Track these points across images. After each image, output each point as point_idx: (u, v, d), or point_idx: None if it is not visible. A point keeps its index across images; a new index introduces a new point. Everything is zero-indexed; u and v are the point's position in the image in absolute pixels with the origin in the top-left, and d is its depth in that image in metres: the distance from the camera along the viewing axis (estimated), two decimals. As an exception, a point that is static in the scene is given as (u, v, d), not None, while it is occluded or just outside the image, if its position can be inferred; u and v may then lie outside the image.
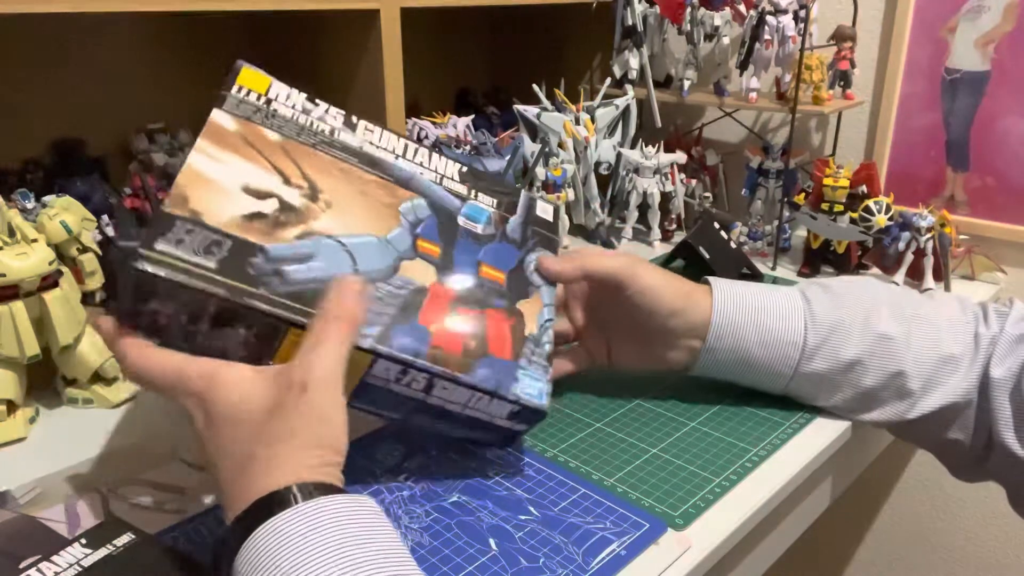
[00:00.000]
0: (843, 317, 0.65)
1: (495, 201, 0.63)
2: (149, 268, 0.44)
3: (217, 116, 0.52)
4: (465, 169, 0.63)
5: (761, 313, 0.65)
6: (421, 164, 0.60)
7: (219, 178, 0.50)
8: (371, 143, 0.58)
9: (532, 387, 0.55)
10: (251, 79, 0.55)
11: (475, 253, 0.59)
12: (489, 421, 0.56)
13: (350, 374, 0.49)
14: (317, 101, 0.58)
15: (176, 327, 0.47)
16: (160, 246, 0.45)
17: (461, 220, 0.60)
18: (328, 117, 0.58)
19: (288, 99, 0.56)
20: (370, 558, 0.39)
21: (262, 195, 0.51)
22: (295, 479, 0.41)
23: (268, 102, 0.55)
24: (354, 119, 0.59)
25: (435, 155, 0.62)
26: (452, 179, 0.62)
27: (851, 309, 0.65)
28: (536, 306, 0.60)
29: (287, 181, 0.53)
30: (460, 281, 0.57)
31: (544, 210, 0.67)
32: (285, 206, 0.51)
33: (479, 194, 0.63)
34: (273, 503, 0.40)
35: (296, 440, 0.43)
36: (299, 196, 0.52)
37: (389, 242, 0.55)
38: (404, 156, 0.60)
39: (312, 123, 0.56)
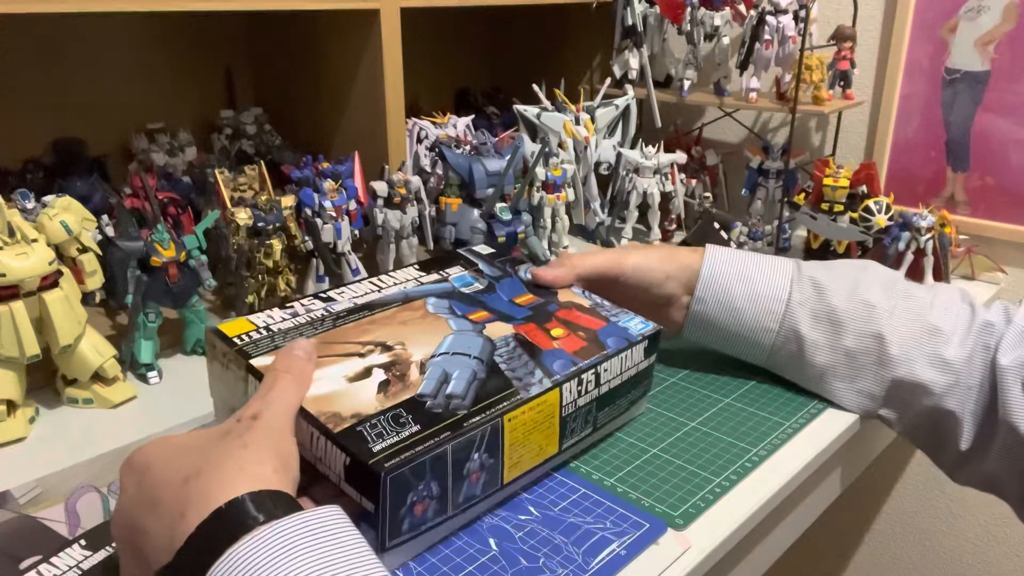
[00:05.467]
0: (830, 281, 0.68)
1: (458, 267, 0.69)
2: (390, 462, 0.45)
3: (260, 363, 0.52)
4: (416, 265, 0.69)
5: (750, 268, 0.70)
6: (395, 284, 0.65)
7: (327, 390, 0.50)
8: (355, 298, 0.62)
9: (638, 323, 0.64)
10: (236, 327, 0.56)
11: (500, 298, 0.65)
12: (638, 371, 0.63)
13: (549, 427, 0.55)
14: (286, 305, 0.59)
15: (435, 500, 0.49)
16: (376, 447, 0.46)
17: (464, 290, 0.65)
18: (310, 306, 0.60)
19: (272, 319, 0.57)
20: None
21: (364, 374, 0.52)
22: (248, 487, 0.39)
23: (267, 328, 0.56)
24: (322, 295, 0.62)
25: (391, 274, 0.66)
26: (421, 276, 0.67)
27: (841, 278, 0.68)
28: (566, 292, 0.68)
29: (361, 355, 0.54)
30: (521, 315, 0.62)
31: (482, 248, 0.74)
32: (386, 367, 0.53)
33: (444, 270, 0.68)
34: (228, 519, 0.38)
35: (248, 451, 0.41)
36: (381, 355, 0.54)
37: (461, 330, 0.59)
38: (382, 287, 0.64)
39: (311, 318, 0.58)
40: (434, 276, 0.67)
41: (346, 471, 0.46)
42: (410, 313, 0.61)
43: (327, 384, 0.51)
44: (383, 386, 0.51)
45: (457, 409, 0.50)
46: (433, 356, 0.55)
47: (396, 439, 0.47)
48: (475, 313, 0.62)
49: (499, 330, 0.60)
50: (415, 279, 0.66)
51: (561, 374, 0.56)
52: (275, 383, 0.48)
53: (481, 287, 0.66)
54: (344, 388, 0.51)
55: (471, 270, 0.69)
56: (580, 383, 0.57)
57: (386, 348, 0.55)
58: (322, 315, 0.59)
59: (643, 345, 0.62)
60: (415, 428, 0.48)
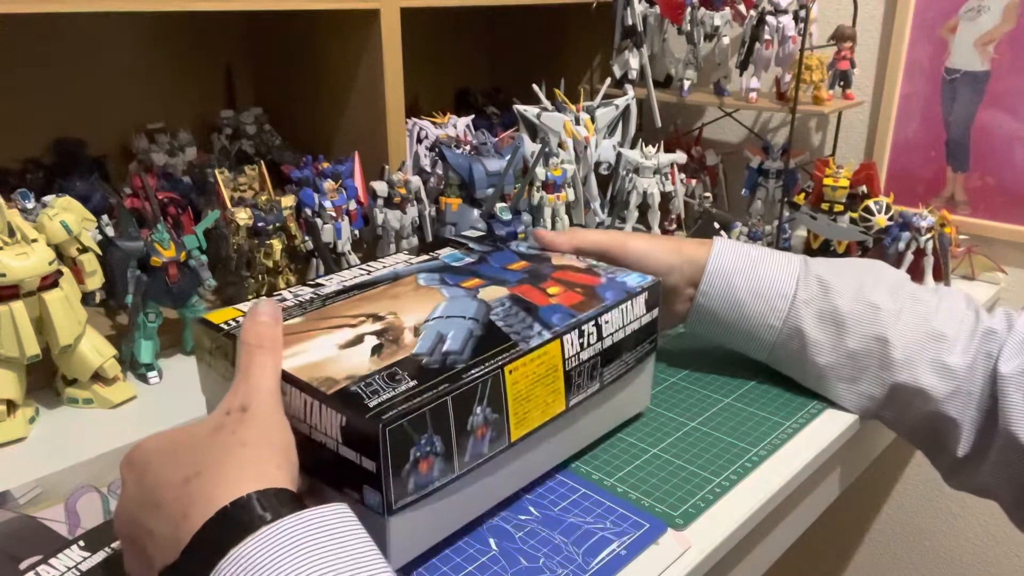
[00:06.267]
0: (836, 280, 0.68)
1: (447, 248, 0.69)
2: (388, 415, 0.44)
3: None
4: (405, 254, 0.69)
5: (756, 263, 0.69)
6: (384, 266, 0.65)
7: (318, 357, 0.49)
8: (344, 280, 0.62)
9: (636, 277, 0.63)
10: (221, 315, 0.55)
11: (492, 266, 0.64)
12: (641, 325, 0.62)
13: (553, 381, 0.54)
14: (274, 293, 0.59)
15: (440, 457, 0.48)
16: (372, 403, 0.45)
17: (455, 264, 0.65)
18: (298, 292, 0.59)
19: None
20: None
21: (356, 341, 0.51)
22: (252, 487, 0.39)
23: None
24: (310, 280, 0.62)
25: (380, 260, 0.66)
26: (410, 259, 0.66)
27: (847, 277, 0.68)
28: (561, 258, 0.67)
29: (352, 325, 0.53)
30: (515, 279, 0.62)
31: (472, 232, 0.74)
32: (379, 334, 0.52)
33: (435, 252, 0.68)
34: (234, 519, 0.37)
35: (247, 449, 0.41)
36: (374, 324, 0.54)
37: (455, 297, 0.58)
38: (371, 270, 0.64)
39: (300, 301, 0.58)
40: (423, 257, 0.67)
41: (343, 433, 0.45)
42: (401, 288, 0.60)
43: (318, 352, 0.50)
44: (376, 349, 0.50)
45: (455, 363, 0.49)
46: (427, 321, 0.54)
47: (392, 394, 0.46)
48: (467, 281, 0.61)
49: (494, 293, 0.59)
50: (405, 262, 0.66)
51: (561, 325, 0.55)
52: (251, 362, 0.46)
53: (472, 260, 0.65)
54: (336, 354, 0.50)
55: (461, 249, 0.68)
56: (581, 335, 0.56)
57: (378, 318, 0.54)
58: (311, 298, 0.58)
59: (643, 297, 0.61)
60: (412, 383, 0.47)
